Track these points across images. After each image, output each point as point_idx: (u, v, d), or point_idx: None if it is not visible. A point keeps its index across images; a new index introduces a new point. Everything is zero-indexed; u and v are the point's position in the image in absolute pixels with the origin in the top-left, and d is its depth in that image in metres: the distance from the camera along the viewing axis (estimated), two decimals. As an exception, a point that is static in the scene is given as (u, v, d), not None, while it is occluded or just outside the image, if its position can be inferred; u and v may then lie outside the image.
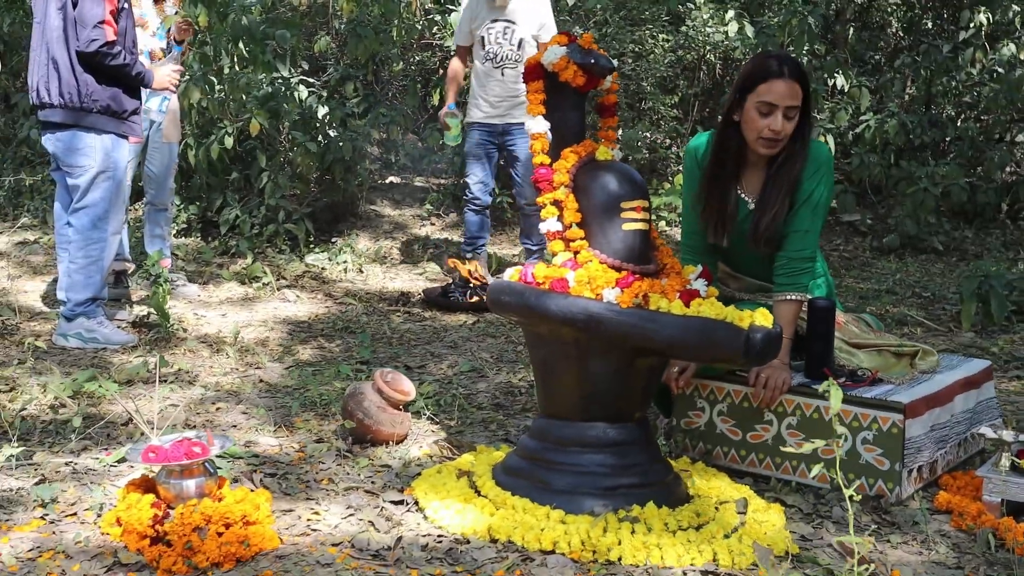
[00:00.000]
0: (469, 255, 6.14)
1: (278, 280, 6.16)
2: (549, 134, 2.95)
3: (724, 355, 2.69)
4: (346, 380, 4.16)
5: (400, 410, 3.52)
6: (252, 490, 2.87)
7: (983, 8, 8.96)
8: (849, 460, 3.07)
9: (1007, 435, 2.90)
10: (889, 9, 11.14)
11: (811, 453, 3.10)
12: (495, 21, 5.94)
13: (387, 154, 8.00)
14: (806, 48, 8.04)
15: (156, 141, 5.44)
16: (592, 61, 2.88)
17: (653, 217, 3.09)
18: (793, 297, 3.22)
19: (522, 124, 5.96)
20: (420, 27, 7.83)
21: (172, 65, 4.79)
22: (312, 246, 6.93)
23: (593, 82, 2.94)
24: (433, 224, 7.85)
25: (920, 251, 7.28)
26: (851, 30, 9.71)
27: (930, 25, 11.31)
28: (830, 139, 7.52)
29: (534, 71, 2.91)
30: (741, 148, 3.22)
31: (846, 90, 8.07)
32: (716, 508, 2.90)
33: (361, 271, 6.57)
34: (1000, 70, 8.52)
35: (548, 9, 6.09)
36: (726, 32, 8.00)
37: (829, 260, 7.15)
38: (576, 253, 2.86)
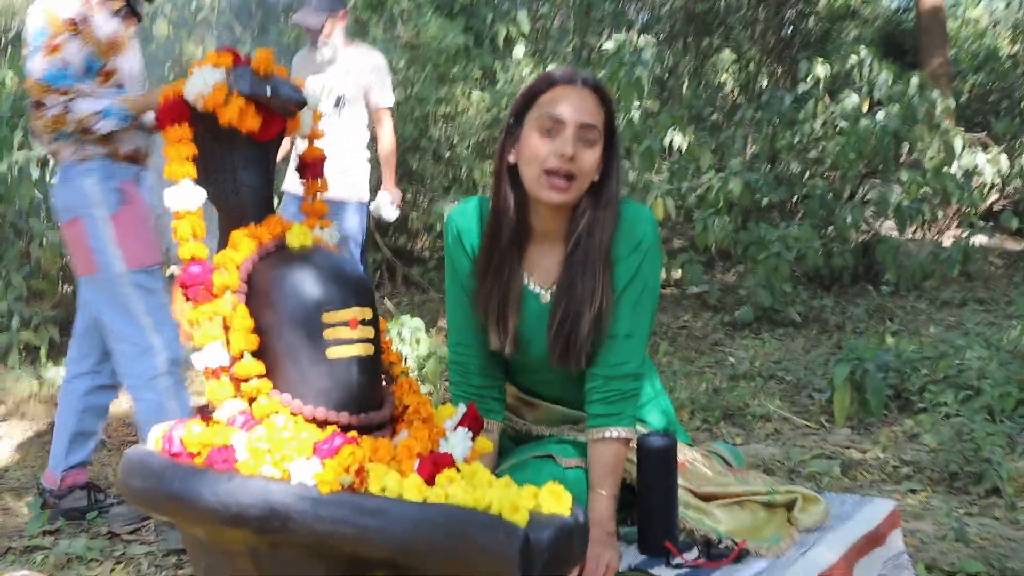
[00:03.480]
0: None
1: (-5, 408, 4.85)
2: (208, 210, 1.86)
3: (491, 569, 1.60)
4: (11, 566, 2.93)
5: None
6: None
7: (821, 59, 8.38)
8: None
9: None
10: (725, 67, 10.57)
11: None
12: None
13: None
14: (637, 104, 7.22)
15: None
16: (269, 91, 1.81)
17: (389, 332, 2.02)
18: (615, 435, 2.17)
19: (342, 200, 4.87)
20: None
21: None
22: (56, 358, 5.62)
23: (277, 124, 1.86)
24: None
25: (776, 324, 6.42)
26: (685, 85, 9.01)
27: (765, 83, 10.79)
28: (670, 202, 6.65)
29: (174, 110, 1.81)
30: (522, 205, 2.16)
31: (683, 149, 7.25)
32: None
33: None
34: (844, 123, 7.89)
35: (376, 64, 5.02)
36: (549, 89, 7.10)
37: (676, 340, 6.22)
38: (251, 400, 1.75)
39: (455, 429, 1.82)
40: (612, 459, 2.15)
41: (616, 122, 2.17)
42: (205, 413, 1.82)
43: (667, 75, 9.60)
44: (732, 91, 10.60)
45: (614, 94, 7.08)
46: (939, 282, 7.03)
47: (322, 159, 2.01)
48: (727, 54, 10.48)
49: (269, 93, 1.80)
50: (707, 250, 7.11)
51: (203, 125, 1.83)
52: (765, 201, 7.17)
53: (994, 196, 8.67)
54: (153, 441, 1.81)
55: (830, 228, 7.29)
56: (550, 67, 7.19)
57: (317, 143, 2.01)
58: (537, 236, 2.19)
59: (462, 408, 1.87)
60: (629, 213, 2.16)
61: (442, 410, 1.87)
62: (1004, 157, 7.85)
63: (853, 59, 8.35)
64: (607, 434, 2.16)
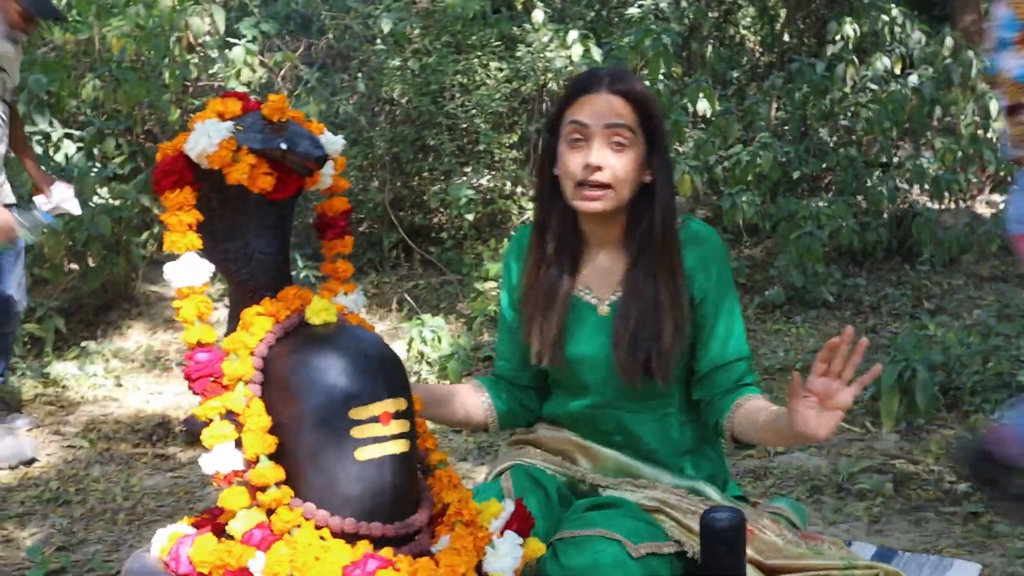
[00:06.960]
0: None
1: (-2, 410, 4.64)
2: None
3: None
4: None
5: None
6: None
7: (849, 19, 8.03)
8: None
9: None
10: (746, 23, 10.20)
11: None
12: None
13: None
14: (663, 72, 6.90)
15: None
16: (285, 147, 1.55)
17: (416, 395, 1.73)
18: (751, 394, 2.01)
19: None
20: (196, 67, 6.38)
21: None
22: (64, 350, 5.42)
23: (294, 182, 1.62)
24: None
25: (809, 305, 6.16)
26: (709, 47, 8.66)
27: (787, 38, 10.44)
28: (696, 178, 6.36)
29: (174, 171, 1.56)
30: (568, 216, 2.05)
31: (708, 116, 6.95)
32: None
33: (120, 384, 5.08)
34: (874, 86, 7.57)
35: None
36: (569, 56, 6.79)
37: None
38: (270, 511, 1.52)
39: (502, 533, 1.59)
40: (760, 403, 1.97)
41: (658, 121, 2.01)
42: (215, 520, 1.59)
43: (688, 34, 9.26)
44: (754, 51, 10.25)
45: (637, 63, 6.78)
46: (976, 257, 6.76)
47: (346, 212, 1.76)
48: (750, 10, 10.12)
49: (284, 148, 1.55)
50: (735, 227, 6.84)
51: (208, 184, 1.58)
52: (796, 174, 6.87)
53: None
54: (159, 549, 1.59)
55: (860, 198, 7.02)
56: (571, 33, 6.87)
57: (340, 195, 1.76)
58: (592, 246, 2.07)
59: (509, 506, 1.64)
60: (695, 227, 2.06)
61: (487, 508, 1.64)
62: (1042, 120, 7.51)
63: (884, 18, 8.04)
64: (742, 401, 1.99)
